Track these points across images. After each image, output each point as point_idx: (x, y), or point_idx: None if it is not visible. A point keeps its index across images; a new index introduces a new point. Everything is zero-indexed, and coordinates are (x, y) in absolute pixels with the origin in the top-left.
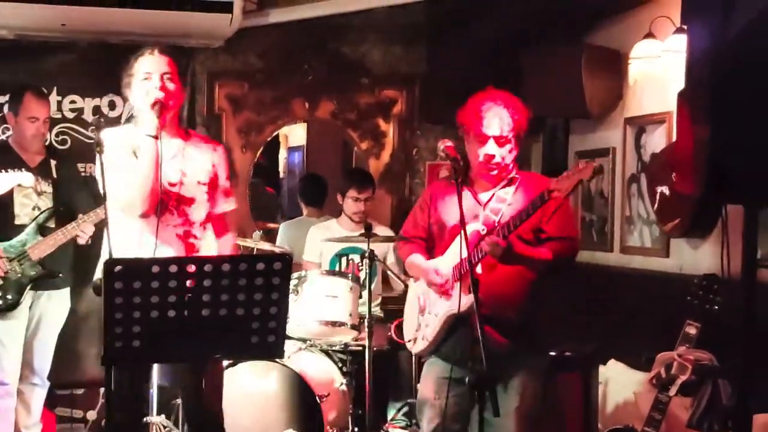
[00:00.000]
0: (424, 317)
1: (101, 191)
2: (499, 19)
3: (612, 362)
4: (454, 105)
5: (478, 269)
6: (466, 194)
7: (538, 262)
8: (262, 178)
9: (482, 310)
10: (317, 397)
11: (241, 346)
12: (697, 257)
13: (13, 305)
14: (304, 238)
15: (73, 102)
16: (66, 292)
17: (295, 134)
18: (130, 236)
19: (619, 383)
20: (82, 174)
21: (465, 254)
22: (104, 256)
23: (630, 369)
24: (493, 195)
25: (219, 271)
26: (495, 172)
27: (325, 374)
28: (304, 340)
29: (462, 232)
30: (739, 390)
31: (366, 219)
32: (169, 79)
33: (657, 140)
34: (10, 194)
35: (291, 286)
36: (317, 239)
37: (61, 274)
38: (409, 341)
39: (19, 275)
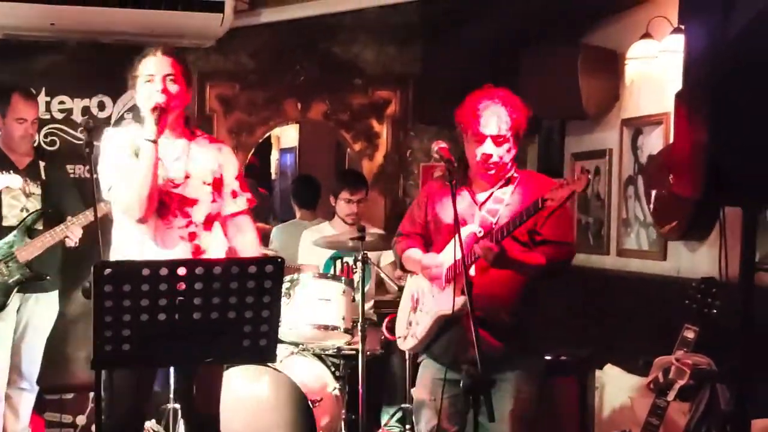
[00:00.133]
0: (416, 315)
1: (94, 192)
2: (494, 19)
3: (608, 366)
4: (449, 106)
5: (471, 271)
6: (464, 194)
7: (531, 268)
8: (254, 180)
9: (475, 312)
10: (310, 402)
11: (233, 350)
12: (694, 260)
13: (0, 308)
14: (297, 241)
15: (62, 102)
16: (54, 295)
17: (287, 135)
18: (131, 239)
19: (616, 388)
20: (71, 175)
21: (459, 256)
22: (111, 257)
23: (627, 373)
24: (490, 195)
25: (210, 274)
26: (493, 171)
27: (317, 379)
28: (296, 344)
29: (457, 234)
30: (737, 394)
31: (359, 221)
32: (172, 81)
33: (654, 141)
34: None
35: (283, 290)
36: (311, 242)
37: (48, 277)
38: (399, 338)
39: (6, 277)
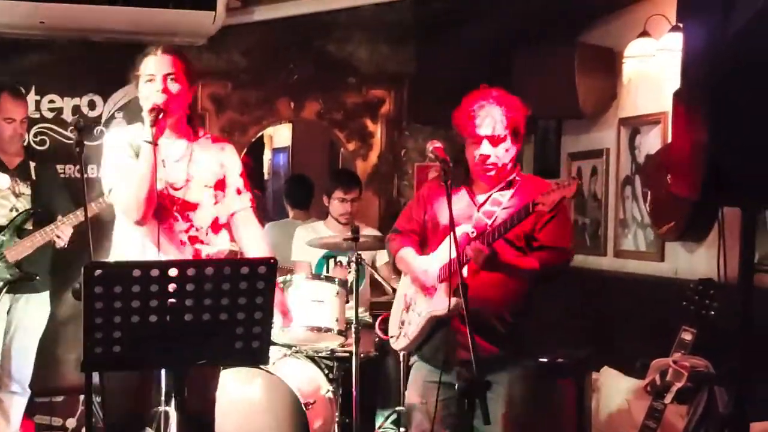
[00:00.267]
0: (408, 314)
1: (84, 191)
2: (490, 17)
3: (605, 369)
4: (444, 105)
5: (463, 272)
6: (463, 194)
7: (523, 272)
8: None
9: (463, 313)
10: (303, 405)
11: (225, 352)
12: (692, 261)
13: None
14: (289, 239)
15: (52, 102)
16: (45, 295)
17: (280, 135)
18: (132, 241)
19: (613, 390)
20: (62, 175)
21: (453, 256)
22: (111, 257)
23: (624, 375)
24: (489, 197)
25: (202, 275)
26: (492, 173)
27: (311, 381)
28: (289, 346)
29: (451, 234)
30: (736, 397)
31: (353, 221)
32: (173, 80)
33: (652, 141)
34: None
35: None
36: (304, 239)
37: (38, 277)
38: (392, 337)
39: None
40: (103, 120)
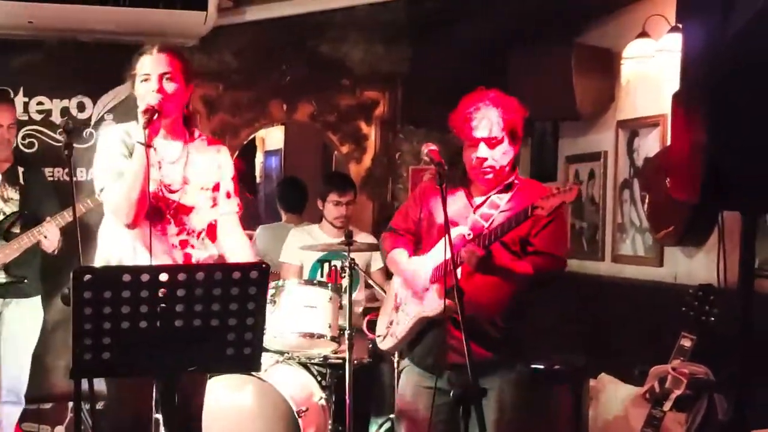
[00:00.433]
0: (397, 314)
1: (73, 193)
2: (486, 17)
3: (603, 375)
4: (439, 107)
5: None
6: (460, 195)
7: (517, 276)
8: (240, 185)
9: (456, 317)
10: (295, 412)
11: (216, 358)
12: (692, 266)
13: None
14: (282, 243)
15: (40, 103)
16: (37, 300)
17: (272, 137)
18: (122, 244)
19: (611, 397)
20: (50, 179)
21: (447, 258)
22: (96, 259)
23: (622, 383)
24: (487, 199)
25: (193, 280)
26: (490, 175)
27: (303, 388)
28: (281, 353)
29: (446, 236)
30: (736, 403)
31: (348, 224)
32: (169, 80)
33: (650, 144)
34: None
35: (268, 296)
36: (297, 242)
37: (26, 280)
38: (378, 336)
39: None
40: (92, 122)
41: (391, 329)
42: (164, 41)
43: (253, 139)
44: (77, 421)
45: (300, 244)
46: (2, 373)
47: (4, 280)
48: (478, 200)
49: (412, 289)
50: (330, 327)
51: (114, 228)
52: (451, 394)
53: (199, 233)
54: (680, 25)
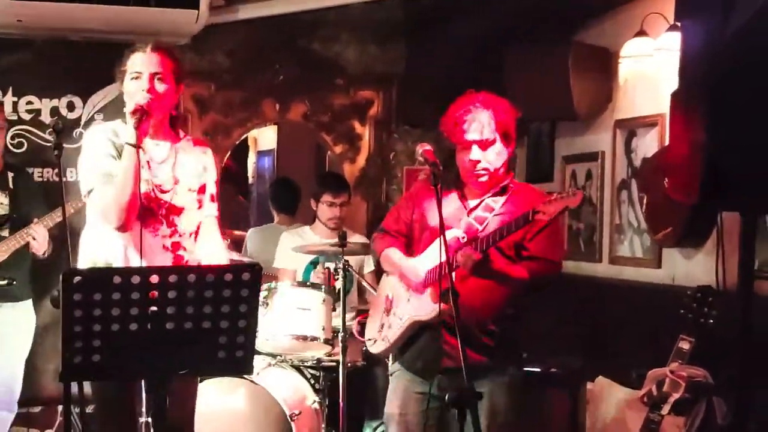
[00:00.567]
0: (389, 318)
1: (63, 194)
2: (482, 15)
3: (600, 379)
4: (434, 106)
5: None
6: (453, 197)
7: (512, 280)
8: (230, 185)
9: (448, 320)
10: (288, 416)
11: (208, 361)
12: (690, 268)
13: None
14: (274, 245)
15: (29, 103)
16: (28, 304)
17: (265, 137)
18: (111, 248)
19: (608, 401)
20: (39, 179)
21: (440, 262)
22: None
23: (619, 386)
24: (481, 202)
25: (184, 282)
26: (485, 178)
27: (296, 391)
28: (274, 356)
29: (441, 237)
30: (736, 407)
31: (342, 226)
32: (160, 80)
33: (649, 144)
34: None
35: (260, 298)
36: (290, 246)
37: (15, 282)
38: (369, 340)
39: None
40: (82, 122)
41: (383, 333)
42: (155, 40)
43: (246, 139)
44: (67, 425)
45: (293, 248)
46: None
47: None
48: (472, 203)
49: (408, 283)
50: (323, 329)
51: (100, 231)
52: (446, 397)
53: (190, 234)
54: (679, 24)
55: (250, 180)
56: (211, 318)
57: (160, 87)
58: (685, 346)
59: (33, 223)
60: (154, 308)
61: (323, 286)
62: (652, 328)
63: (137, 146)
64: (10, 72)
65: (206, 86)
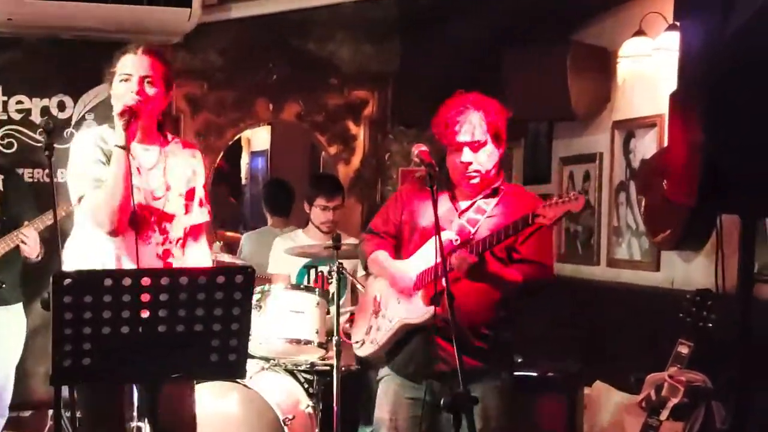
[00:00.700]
0: (377, 320)
1: (54, 195)
2: (479, 14)
3: (598, 383)
4: (429, 106)
5: (443, 281)
6: (444, 199)
7: (506, 283)
8: (223, 186)
9: (440, 323)
10: (282, 420)
11: (200, 364)
12: (689, 271)
13: None
14: (267, 249)
15: (19, 102)
16: (18, 308)
17: (258, 138)
18: (103, 255)
19: (606, 406)
20: (30, 180)
21: (433, 264)
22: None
23: (617, 390)
24: (472, 204)
25: (176, 285)
26: (476, 180)
27: (290, 396)
28: (267, 359)
29: (436, 238)
30: (735, 410)
31: (335, 229)
32: (150, 83)
33: (647, 145)
34: None
35: (253, 301)
36: (283, 251)
37: (4, 285)
38: (356, 342)
39: None
40: (73, 122)
41: (371, 335)
42: (147, 39)
43: (239, 140)
44: (57, 429)
45: (287, 250)
46: None
47: None
48: (463, 205)
49: (398, 289)
50: (317, 333)
51: (90, 237)
52: (441, 402)
53: (177, 241)
54: (678, 24)
55: (243, 181)
56: (204, 321)
57: (150, 90)
58: (683, 350)
59: (23, 226)
60: (145, 311)
61: (317, 289)
62: (650, 331)
63: (126, 148)
64: (0, 71)
65: (199, 85)
